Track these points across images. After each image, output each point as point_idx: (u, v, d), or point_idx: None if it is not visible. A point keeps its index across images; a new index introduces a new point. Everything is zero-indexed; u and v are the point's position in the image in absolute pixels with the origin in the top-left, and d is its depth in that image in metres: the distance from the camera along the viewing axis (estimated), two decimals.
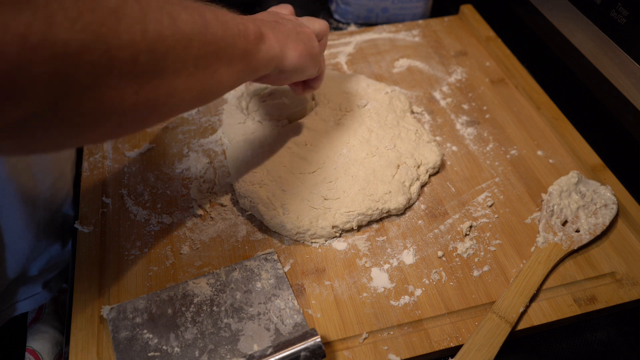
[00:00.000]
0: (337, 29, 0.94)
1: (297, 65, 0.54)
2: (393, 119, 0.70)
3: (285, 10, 0.62)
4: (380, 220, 0.62)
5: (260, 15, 0.56)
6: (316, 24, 0.62)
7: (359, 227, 0.61)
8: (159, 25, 0.36)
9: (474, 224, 0.62)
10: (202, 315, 0.53)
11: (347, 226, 0.60)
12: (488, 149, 0.71)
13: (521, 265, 0.58)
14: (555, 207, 0.62)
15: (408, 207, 0.64)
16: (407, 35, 0.89)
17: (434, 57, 0.85)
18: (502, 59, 0.83)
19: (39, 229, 0.63)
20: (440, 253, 0.59)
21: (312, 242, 0.60)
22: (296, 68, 0.54)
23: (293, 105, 0.73)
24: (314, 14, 0.98)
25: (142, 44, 0.35)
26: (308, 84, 0.63)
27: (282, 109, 0.72)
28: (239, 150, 0.67)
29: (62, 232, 0.67)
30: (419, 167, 0.66)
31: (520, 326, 0.53)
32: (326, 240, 0.60)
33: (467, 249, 0.59)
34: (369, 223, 0.62)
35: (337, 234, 0.60)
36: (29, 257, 0.64)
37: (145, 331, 0.51)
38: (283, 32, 0.53)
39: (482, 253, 0.59)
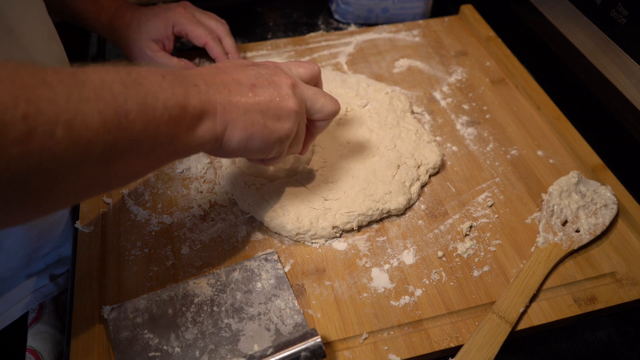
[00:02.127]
0: (337, 29, 0.94)
1: (239, 147, 0.46)
2: (393, 119, 0.70)
3: (304, 69, 0.53)
4: (380, 220, 0.62)
5: (238, 74, 0.47)
6: (319, 102, 0.51)
7: (359, 228, 0.61)
8: (46, 140, 0.31)
9: (474, 224, 0.62)
10: (202, 315, 0.53)
11: (348, 226, 0.60)
12: (488, 149, 0.71)
13: (521, 265, 0.58)
14: (556, 207, 0.62)
15: (408, 207, 0.64)
16: (407, 35, 0.89)
17: (434, 57, 0.85)
18: (502, 59, 0.83)
19: (39, 232, 0.63)
20: (440, 253, 0.59)
21: (312, 243, 0.60)
22: (238, 150, 0.46)
23: (291, 169, 0.64)
24: (314, 14, 0.98)
25: (20, 165, 0.31)
26: (262, 160, 0.52)
27: (260, 168, 0.64)
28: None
29: (67, 231, 0.67)
30: (419, 167, 0.66)
31: (521, 326, 0.53)
32: (326, 241, 0.60)
33: (467, 249, 0.59)
34: (369, 223, 0.62)
35: (338, 234, 0.60)
36: (30, 257, 0.64)
37: (145, 331, 0.52)
38: (241, 105, 0.45)
39: (482, 253, 0.59)
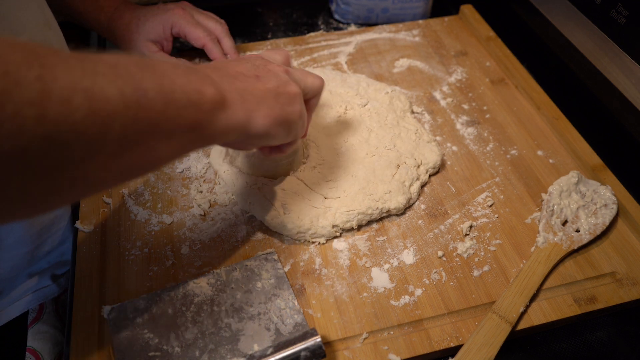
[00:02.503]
0: (337, 29, 0.94)
1: (265, 133, 0.47)
2: (393, 119, 0.70)
3: (279, 56, 0.55)
4: (380, 220, 0.62)
5: (239, 67, 0.47)
6: (308, 80, 0.53)
7: (359, 227, 0.61)
8: (64, 107, 0.30)
9: (474, 223, 0.62)
10: (202, 315, 0.53)
11: (348, 225, 0.60)
12: (488, 148, 0.71)
13: (521, 265, 0.58)
14: (556, 207, 0.62)
15: (408, 207, 0.64)
16: (407, 35, 0.89)
17: (434, 57, 0.85)
18: (502, 59, 0.83)
19: (41, 229, 0.63)
20: (440, 253, 0.59)
21: (312, 242, 0.60)
22: (265, 136, 0.47)
23: (278, 160, 0.63)
24: (314, 14, 0.98)
25: (37, 131, 0.29)
26: (279, 148, 0.54)
27: (264, 163, 0.63)
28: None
29: (68, 229, 0.67)
30: (419, 166, 0.66)
31: (521, 326, 0.53)
32: (326, 240, 0.60)
33: (467, 248, 0.59)
34: (369, 223, 0.62)
35: (338, 233, 0.60)
36: (32, 256, 0.64)
37: (145, 331, 0.51)
38: (256, 94, 0.46)
39: (482, 253, 0.59)
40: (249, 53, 0.85)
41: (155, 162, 0.40)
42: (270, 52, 0.55)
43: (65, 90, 0.30)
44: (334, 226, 0.60)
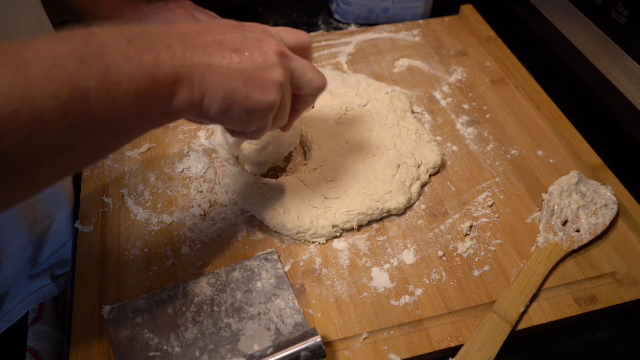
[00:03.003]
0: (337, 28, 0.94)
1: (219, 116, 0.42)
2: (393, 119, 0.70)
3: (292, 36, 0.49)
4: (380, 220, 0.62)
5: (221, 35, 0.43)
6: (307, 75, 0.47)
7: (359, 227, 0.61)
8: None
9: (474, 223, 0.62)
10: (202, 315, 0.53)
11: (348, 225, 0.60)
12: (488, 148, 0.71)
13: (521, 265, 0.58)
14: (556, 206, 0.62)
15: (408, 206, 0.64)
16: (407, 35, 0.89)
17: (434, 57, 0.85)
18: (502, 58, 0.83)
19: (40, 233, 0.63)
20: (440, 253, 0.59)
21: (312, 242, 0.60)
22: (219, 119, 0.43)
23: (274, 148, 0.61)
24: (314, 14, 0.98)
25: None
26: (242, 132, 0.49)
27: (261, 153, 0.61)
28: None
29: (68, 230, 0.67)
30: (419, 166, 0.66)
31: (521, 326, 0.53)
32: (326, 240, 0.60)
33: (468, 248, 0.59)
34: (369, 223, 0.62)
35: (338, 233, 0.60)
36: (34, 261, 0.64)
37: (145, 331, 0.51)
38: (222, 71, 0.41)
39: (483, 253, 0.59)
40: None
41: (103, 154, 0.38)
42: (284, 29, 0.49)
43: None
44: (334, 226, 0.60)
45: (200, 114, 0.42)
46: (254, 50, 0.43)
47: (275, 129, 0.51)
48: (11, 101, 0.28)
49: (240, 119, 0.44)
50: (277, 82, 0.44)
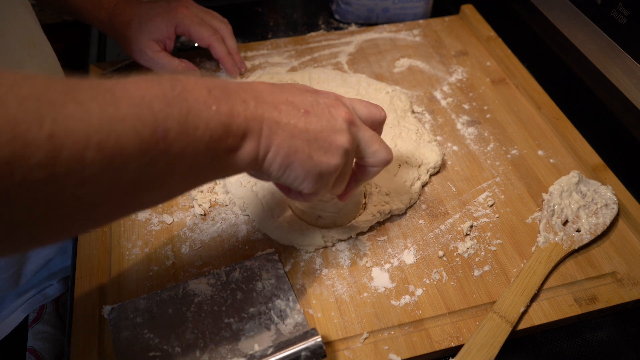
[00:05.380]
0: (337, 28, 0.94)
1: (278, 174, 0.43)
2: (394, 119, 0.70)
3: (365, 108, 0.49)
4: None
5: (295, 96, 0.43)
6: (374, 147, 0.47)
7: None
8: (75, 163, 0.28)
9: (475, 223, 0.62)
10: (202, 315, 0.53)
11: (344, 236, 0.59)
12: (489, 148, 0.71)
13: (522, 265, 0.58)
14: (556, 206, 0.62)
15: (409, 206, 0.63)
16: (407, 35, 0.89)
17: (434, 56, 0.85)
18: (502, 58, 0.83)
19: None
20: (441, 253, 0.59)
21: (300, 250, 0.59)
22: (277, 177, 0.43)
23: (333, 218, 0.59)
24: (315, 14, 0.98)
25: (44, 190, 0.28)
26: (300, 193, 0.47)
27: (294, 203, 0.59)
28: None
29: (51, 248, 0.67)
30: (419, 166, 0.66)
31: (521, 326, 0.53)
32: (315, 249, 0.59)
33: (468, 248, 0.59)
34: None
35: (330, 244, 0.59)
36: (18, 276, 0.64)
37: (146, 331, 0.51)
38: (289, 129, 0.41)
39: (483, 253, 0.59)
40: (254, 52, 0.85)
41: (167, 197, 0.39)
42: (359, 101, 0.49)
43: (78, 146, 0.29)
44: (324, 236, 0.58)
45: (262, 169, 0.42)
46: (323, 114, 0.43)
47: (333, 197, 0.51)
48: (99, 131, 0.30)
49: (298, 177, 0.43)
50: (342, 147, 0.43)
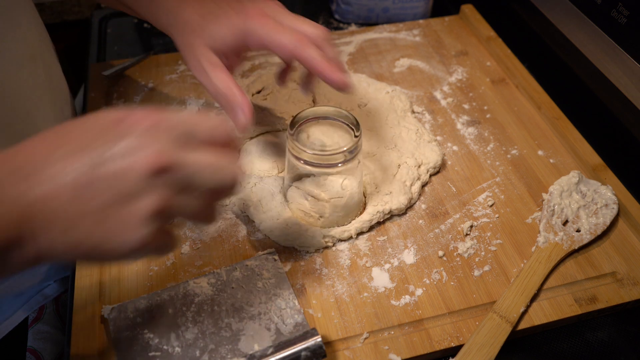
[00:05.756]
0: (337, 28, 0.94)
1: (69, 261, 0.37)
2: (394, 119, 0.70)
3: (204, 128, 0.37)
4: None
5: (70, 162, 0.33)
6: (205, 174, 0.36)
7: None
8: None
9: (475, 223, 0.62)
10: (202, 315, 0.53)
11: (345, 235, 0.59)
12: (489, 148, 0.71)
13: (522, 265, 0.58)
14: (556, 206, 0.62)
15: (409, 206, 0.63)
16: (407, 35, 0.89)
17: (434, 56, 0.85)
18: (502, 58, 0.83)
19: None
20: (441, 253, 0.59)
21: (301, 250, 0.59)
22: (69, 258, 0.37)
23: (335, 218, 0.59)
24: (314, 14, 0.98)
25: None
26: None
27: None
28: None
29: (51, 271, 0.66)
30: (419, 166, 0.66)
31: (521, 326, 0.53)
32: (316, 250, 0.59)
33: (468, 248, 0.59)
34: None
35: (330, 244, 0.59)
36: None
37: (146, 331, 0.51)
38: (70, 216, 0.33)
39: (483, 253, 0.59)
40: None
41: None
42: (197, 118, 0.37)
43: None
44: (324, 236, 0.59)
45: (45, 263, 0.36)
46: (114, 176, 0.33)
47: (332, 196, 0.44)
48: None
49: (104, 262, 0.37)
50: (143, 217, 0.34)
